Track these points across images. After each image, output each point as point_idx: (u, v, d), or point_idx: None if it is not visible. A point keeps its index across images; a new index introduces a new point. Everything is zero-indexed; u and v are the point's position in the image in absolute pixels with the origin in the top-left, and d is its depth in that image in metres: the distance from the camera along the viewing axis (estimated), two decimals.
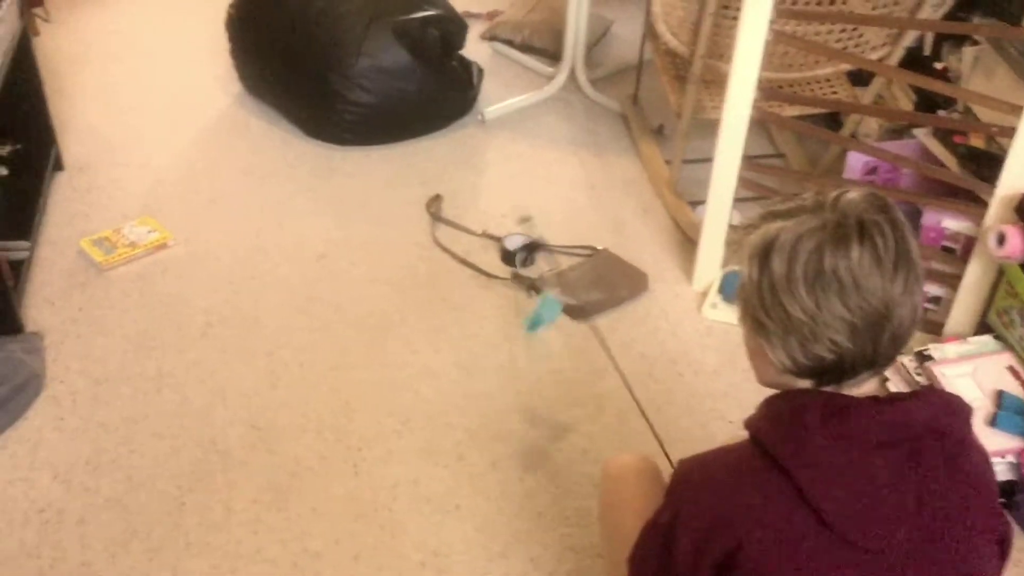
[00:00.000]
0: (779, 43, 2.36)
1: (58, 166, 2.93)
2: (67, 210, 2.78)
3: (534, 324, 2.23)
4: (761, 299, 1.13)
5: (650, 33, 2.77)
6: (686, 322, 2.46)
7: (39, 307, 2.42)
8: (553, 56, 3.62)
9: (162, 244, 2.64)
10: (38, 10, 3.73)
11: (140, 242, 2.62)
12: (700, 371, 2.30)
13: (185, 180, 2.94)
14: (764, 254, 1.13)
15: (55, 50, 3.60)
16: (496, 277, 2.59)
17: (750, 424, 1.17)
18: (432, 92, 3.14)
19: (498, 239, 2.69)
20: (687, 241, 2.72)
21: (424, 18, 3.10)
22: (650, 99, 3.35)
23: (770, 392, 1.20)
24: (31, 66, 2.76)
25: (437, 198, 2.88)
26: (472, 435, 2.13)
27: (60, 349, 2.30)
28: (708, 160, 2.38)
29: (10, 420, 2.11)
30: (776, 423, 1.13)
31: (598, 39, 3.81)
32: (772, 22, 2.16)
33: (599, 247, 2.69)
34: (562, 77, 3.40)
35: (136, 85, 3.42)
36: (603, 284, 2.53)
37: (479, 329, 2.42)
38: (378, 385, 2.25)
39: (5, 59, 2.42)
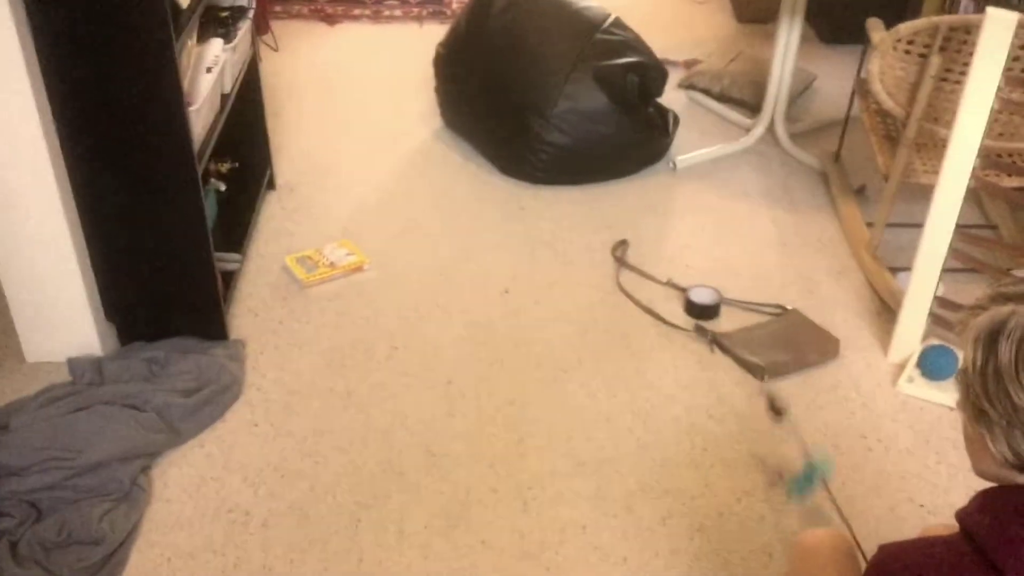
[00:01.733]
0: (1005, 111, 2.23)
1: (270, 185, 3.12)
2: (275, 227, 2.95)
3: (801, 489, 1.99)
4: (985, 386, 1.06)
5: (861, 91, 2.68)
6: (878, 395, 2.34)
7: (244, 317, 2.58)
8: (751, 108, 3.56)
9: (358, 267, 2.77)
10: (266, 38, 4.00)
11: (339, 263, 2.75)
12: (891, 448, 2.18)
13: (383, 207, 3.07)
14: (991, 338, 1.06)
15: (275, 76, 3.85)
16: (678, 328, 2.55)
17: (963, 518, 1.09)
18: (627, 137, 3.15)
19: (683, 289, 2.65)
20: (884, 309, 2.60)
21: (626, 64, 3.13)
22: (852, 158, 3.23)
23: (985, 484, 1.12)
24: (256, 91, 2.96)
25: (623, 243, 2.88)
26: (644, 487, 2.10)
27: (259, 358, 2.44)
28: (912, 225, 2.27)
29: (209, 421, 2.24)
30: (993, 522, 1.05)
31: (800, 93, 3.72)
32: (1000, 89, 2.04)
33: (788, 307, 2.61)
34: (760, 130, 3.34)
35: (346, 114, 3.61)
36: (790, 346, 2.45)
37: (657, 379, 2.39)
38: (553, 424, 2.26)
39: (236, 83, 2.61)
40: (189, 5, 2.20)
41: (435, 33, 4.06)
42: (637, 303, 2.64)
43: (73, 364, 2.33)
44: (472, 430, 2.25)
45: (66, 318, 2.34)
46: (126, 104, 2.10)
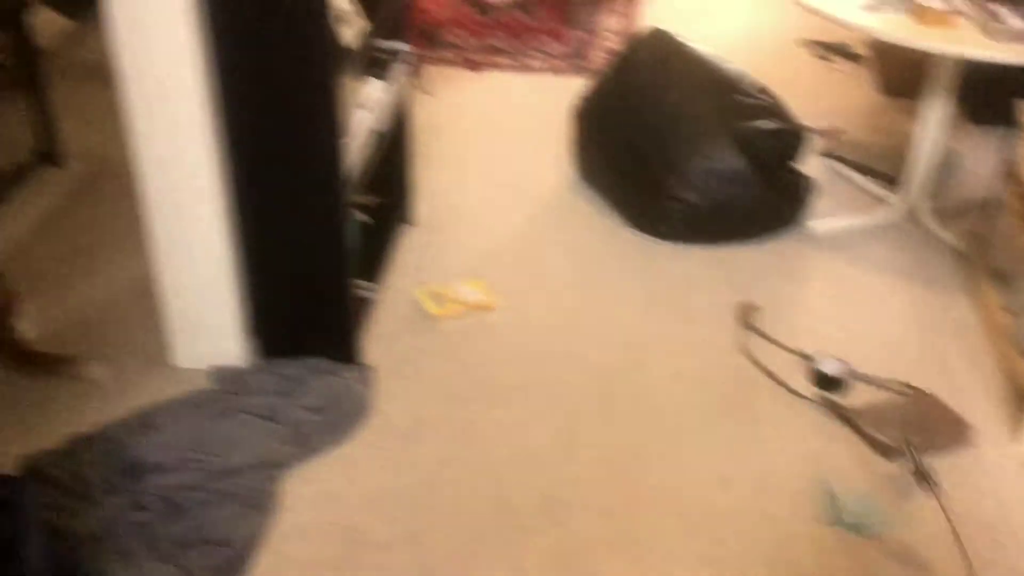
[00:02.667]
0: None
1: (409, 221, 3.24)
2: (410, 261, 3.06)
3: (847, 519, 2.05)
4: None
5: (1007, 173, 2.63)
6: (1011, 487, 2.26)
7: (375, 344, 2.67)
8: (892, 181, 3.51)
9: (486, 307, 2.84)
10: (424, 80, 4.15)
11: (468, 301, 2.83)
12: (1022, 540, 2.10)
13: (514, 251, 3.15)
14: None
15: (420, 117, 4.00)
16: (803, 397, 2.52)
17: None
18: (761, 201, 3.15)
19: (810, 359, 2.63)
20: (1019, 397, 2.51)
21: (765, 128, 3.14)
22: (995, 240, 3.14)
23: None
24: (404, 130, 3.09)
25: (750, 306, 2.87)
26: (760, 555, 2.07)
27: (387, 385, 2.53)
28: None
29: (336, 440, 2.33)
30: None
31: (943, 170, 3.65)
32: None
33: (918, 387, 2.55)
34: (900, 204, 3.29)
35: (485, 157, 3.72)
36: (918, 427, 2.39)
37: (778, 447, 2.37)
38: (668, 481, 2.26)
39: (391, 123, 2.74)
40: (354, 45, 2.34)
41: (575, 85, 4.15)
42: (762, 368, 2.63)
43: (217, 372, 2.46)
44: (587, 477, 2.27)
45: (214, 329, 2.48)
46: (287, 132, 2.24)
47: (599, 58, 4.50)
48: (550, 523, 2.14)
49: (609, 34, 4.75)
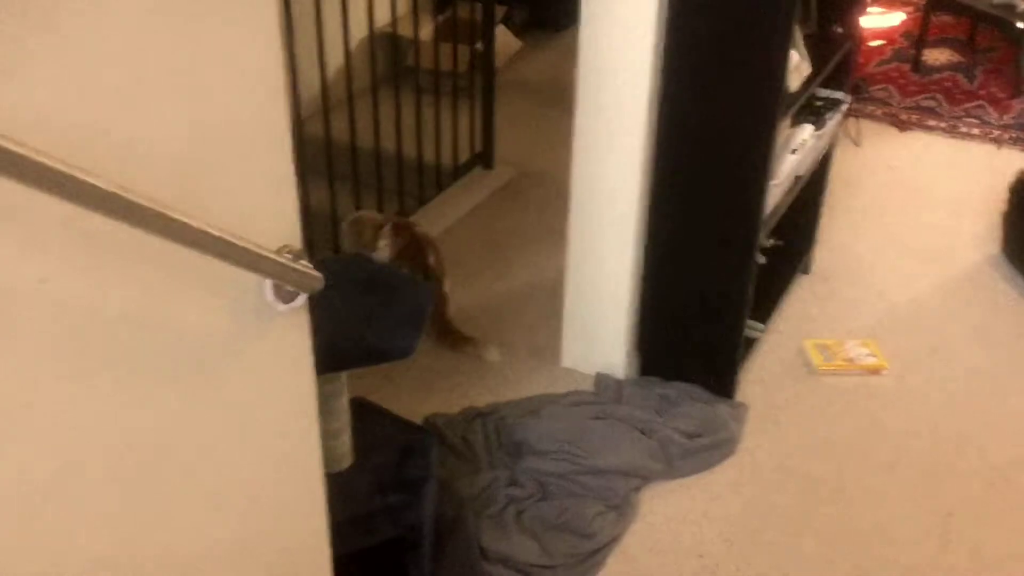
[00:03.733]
0: None
1: (805, 269, 3.19)
2: (801, 310, 3.01)
3: None
4: None
5: None
6: None
7: (751, 383, 2.67)
8: None
9: (876, 370, 2.72)
10: (851, 131, 4.06)
11: (857, 361, 2.73)
12: None
13: (915, 319, 2.98)
14: None
15: (839, 168, 3.91)
16: None
17: None
18: None
19: None
20: None
21: None
22: None
23: None
24: (822, 178, 3.05)
25: None
26: None
27: (757, 425, 2.52)
28: None
29: (700, 468, 2.37)
30: None
31: None
32: None
33: None
34: None
35: (898, 219, 3.55)
36: None
37: None
38: None
39: (812, 169, 2.73)
40: (797, 90, 2.36)
41: (1013, 158, 3.83)
42: None
43: (600, 379, 2.61)
44: (964, 570, 2.09)
45: (604, 338, 2.63)
46: (717, 168, 2.32)
47: None
48: None
49: None
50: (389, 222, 2.89)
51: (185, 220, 0.98)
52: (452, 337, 2.76)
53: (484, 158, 3.77)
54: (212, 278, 1.12)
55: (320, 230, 3.06)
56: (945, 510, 2.27)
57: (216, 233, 1.02)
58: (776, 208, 2.52)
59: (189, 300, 1.10)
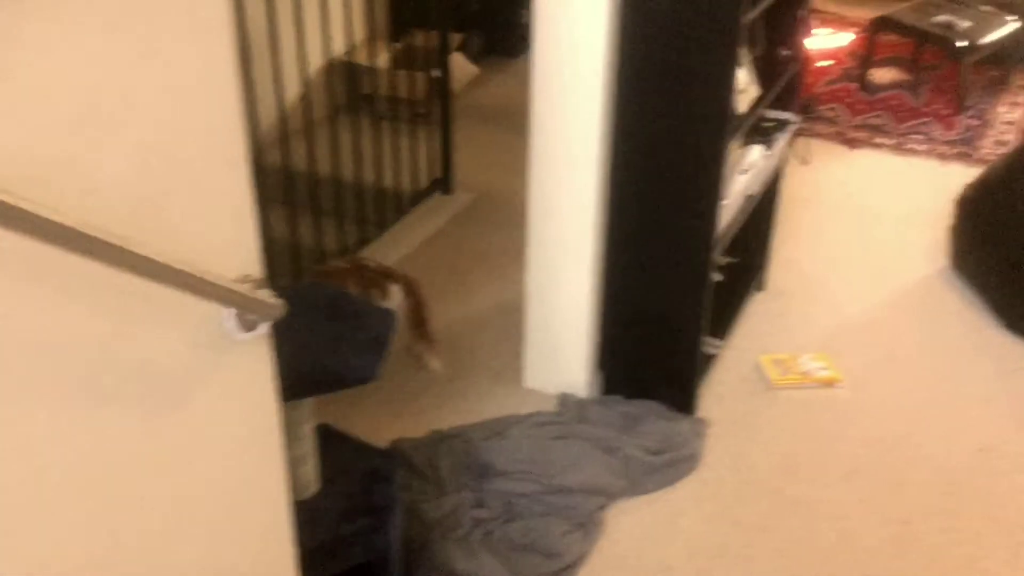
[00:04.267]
0: None
1: (760, 286, 3.25)
2: (756, 326, 3.07)
3: None
4: None
5: None
6: None
7: (711, 398, 2.72)
8: None
9: (830, 382, 2.78)
10: (800, 150, 4.16)
11: (812, 374, 2.79)
12: None
13: (866, 332, 3.05)
14: None
15: (789, 186, 4.00)
16: None
17: None
18: None
19: None
20: None
21: None
22: None
23: None
24: (773, 197, 3.13)
25: None
26: None
27: (718, 441, 2.56)
28: None
29: (664, 484, 2.40)
30: None
31: None
32: None
33: None
34: None
35: (848, 234, 3.64)
36: None
37: None
38: None
39: (763, 189, 2.79)
40: (746, 112, 2.43)
41: (958, 173, 3.94)
42: None
43: (563, 398, 2.64)
44: None
45: (566, 358, 2.66)
46: (669, 190, 2.37)
47: (989, 148, 4.23)
48: None
49: (1004, 125, 4.46)
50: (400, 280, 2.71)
51: (143, 253, 0.99)
52: (420, 332, 2.70)
53: (443, 183, 3.81)
54: (173, 308, 1.13)
55: (281, 259, 3.07)
56: (903, 518, 2.32)
57: (175, 265, 1.04)
58: (729, 226, 2.58)
59: (150, 329, 1.11)
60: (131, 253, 0.98)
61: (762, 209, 3.09)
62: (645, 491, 2.37)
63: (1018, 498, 2.37)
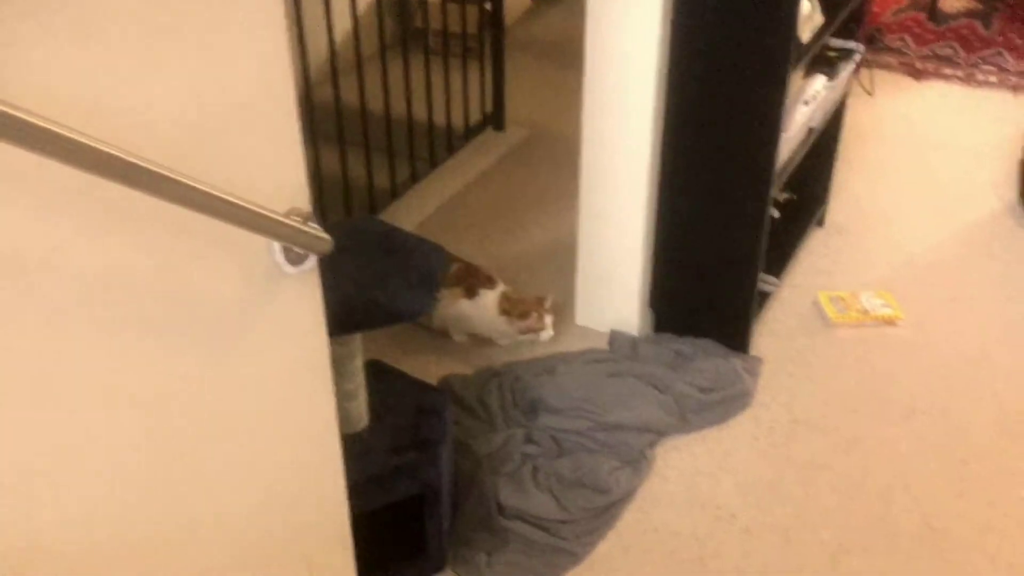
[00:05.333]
0: None
1: (819, 222, 3.17)
2: (815, 263, 3.01)
3: None
4: None
5: None
6: None
7: (766, 337, 2.68)
8: None
9: (891, 320, 2.71)
10: (864, 81, 4.02)
11: (872, 312, 2.73)
12: None
13: (932, 269, 2.96)
14: None
15: (853, 119, 3.87)
16: None
17: None
18: None
19: None
20: None
21: None
22: None
23: None
24: (836, 130, 3.03)
25: None
26: None
27: (772, 379, 2.52)
28: None
29: (716, 421, 2.38)
30: None
31: None
32: None
33: None
34: None
35: (914, 169, 3.52)
36: None
37: None
38: None
39: (826, 120, 2.70)
40: (809, 41, 2.33)
41: None
42: None
43: (614, 336, 2.62)
44: (980, 518, 2.10)
45: (618, 296, 2.63)
46: (729, 121, 2.30)
47: None
48: (931, 554, 2.02)
49: None
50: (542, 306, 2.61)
51: (192, 184, 0.99)
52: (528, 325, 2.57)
53: (495, 119, 3.76)
54: (222, 241, 1.13)
55: (332, 195, 3.07)
56: (961, 459, 2.27)
57: (223, 196, 1.03)
58: (789, 161, 2.51)
59: (200, 264, 1.12)
60: (179, 183, 0.98)
61: (824, 142, 3.00)
62: (696, 428, 2.35)
63: None
